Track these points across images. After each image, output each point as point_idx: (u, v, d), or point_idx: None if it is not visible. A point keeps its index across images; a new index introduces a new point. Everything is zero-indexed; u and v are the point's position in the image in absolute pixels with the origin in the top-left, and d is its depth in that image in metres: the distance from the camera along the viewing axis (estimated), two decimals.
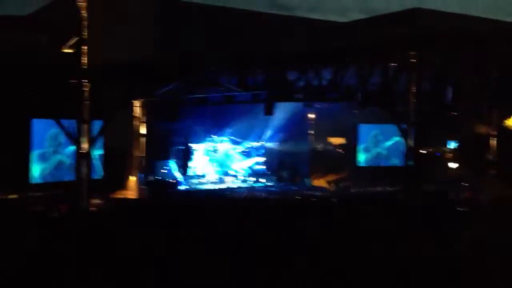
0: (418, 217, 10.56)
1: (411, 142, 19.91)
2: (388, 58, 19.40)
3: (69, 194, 18.44)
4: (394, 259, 6.89)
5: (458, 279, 6.37)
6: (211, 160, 27.14)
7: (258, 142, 28.11)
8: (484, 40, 18.10)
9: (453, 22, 17.61)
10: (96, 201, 19.53)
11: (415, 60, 18.96)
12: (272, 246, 7.52)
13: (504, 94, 19.87)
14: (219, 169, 27.33)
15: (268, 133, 27.60)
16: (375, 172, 26.64)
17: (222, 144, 27.38)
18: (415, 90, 19.29)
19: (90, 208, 17.83)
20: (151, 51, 17.03)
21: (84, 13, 15.29)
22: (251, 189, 25.74)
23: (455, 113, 21.47)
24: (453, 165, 24.59)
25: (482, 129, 23.23)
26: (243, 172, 27.61)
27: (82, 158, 17.37)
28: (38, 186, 19.64)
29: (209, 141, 26.98)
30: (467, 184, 21.63)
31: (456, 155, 24.26)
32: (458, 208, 15.05)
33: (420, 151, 20.95)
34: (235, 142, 27.68)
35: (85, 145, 17.02)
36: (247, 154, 28.02)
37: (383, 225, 9.14)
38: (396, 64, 19.65)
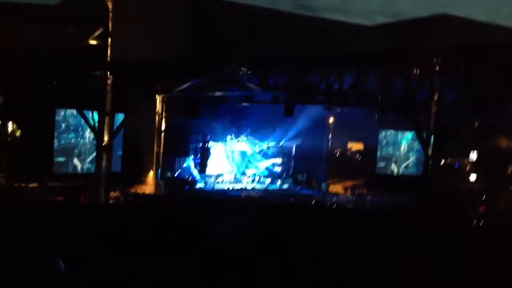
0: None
1: (429, 151, 19.83)
2: (411, 65, 19.34)
3: (88, 186, 18.65)
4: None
5: None
6: (228, 159, 27.24)
7: (276, 143, 28.10)
8: (509, 53, 17.94)
9: (478, 30, 17.49)
10: (115, 194, 19.77)
11: (438, 69, 18.91)
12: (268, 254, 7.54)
13: None
14: (236, 168, 27.43)
15: (287, 134, 27.54)
16: (393, 180, 26.43)
17: (240, 144, 27.46)
18: (436, 99, 19.25)
19: (108, 201, 18.03)
20: (175, 48, 17.15)
21: (110, 5, 15.48)
22: (265, 191, 25.74)
23: (476, 125, 21.34)
24: (472, 177, 24.36)
25: (503, 142, 23.03)
26: (259, 172, 27.67)
27: (103, 150, 17.54)
28: (59, 176, 19.85)
29: (228, 140, 27.09)
30: (483, 197, 21.40)
31: (475, 167, 24.03)
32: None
33: (438, 160, 20.89)
34: (253, 142, 27.73)
35: (106, 138, 17.19)
36: (264, 155, 28.06)
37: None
38: (418, 72, 19.61)
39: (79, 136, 20.61)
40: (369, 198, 24.64)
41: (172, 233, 8.77)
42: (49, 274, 4.89)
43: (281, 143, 28.13)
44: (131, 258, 6.91)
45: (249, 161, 27.78)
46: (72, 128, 20.36)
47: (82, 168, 20.76)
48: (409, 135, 26.63)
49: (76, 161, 20.74)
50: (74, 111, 18.69)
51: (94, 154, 18.96)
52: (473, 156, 24.30)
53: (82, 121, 18.09)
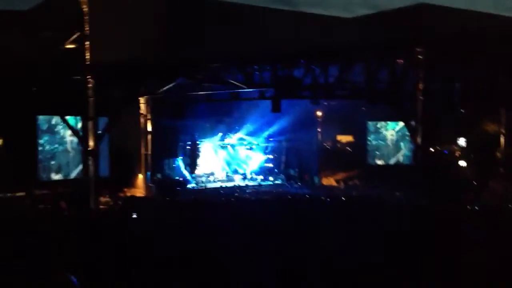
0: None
1: (419, 140, 19.82)
2: (395, 56, 19.29)
3: (76, 192, 18.47)
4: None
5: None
6: (218, 158, 27.13)
7: (266, 139, 27.99)
8: (493, 40, 17.93)
9: (458, 18, 17.47)
10: (105, 199, 19.61)
11: (422, 58, 18.87)
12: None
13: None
14: (227, 167, 27.33)
15: (276, 130, 27.42)
16: (385, 170, 26.39)
17: (230, 142, 27.35)
18: (422, 88, 19.22)
19: (99, 207, 17.87)
20: (156, 48, 16.96)
21: (85, 8, 15.28)
22: (258, 187, 25.64)
23: (463, 111, 21.34)
24: (461, 163, 24.36)
25: (491, 128, 23.03)
26: (251, 170, 27.58)
27: (89, 155, 17.37)
28: (46, 184, 19.67)
29: (217, 138, 26.96)
30: (474, 183, 21.41)
31: (464, 154, 24.03)
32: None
33: (428, 149, 20.86)
34: (242, 140, 27.63)
35: (91, 143, 17.02)
36: (255, 151, 27.96)
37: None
38: (403, 62, 19.57)
39: (63, 143, 20.45)
40: (361, 189, 24.62)
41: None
42: None
43: (271, 139, 28.01)
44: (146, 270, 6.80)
45: (240, 158, 27.68)
46: (55, 134, 20.20)
47: (69, 175, 20.60)
48: (397, 125, 26.61)
49: (61, 167, 20.57)
50: (56, 118, 18.52)
51: (80, 160, 18.82)
52: (462, 143, 24.28)
53: (66, 127, 17.92)
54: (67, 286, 4.62)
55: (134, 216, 13.41)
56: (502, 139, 22.76)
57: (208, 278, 6.48)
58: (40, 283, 4.75)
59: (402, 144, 26.93)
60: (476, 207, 15.34)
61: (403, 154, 26.94)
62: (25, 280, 5.14)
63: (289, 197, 21.06)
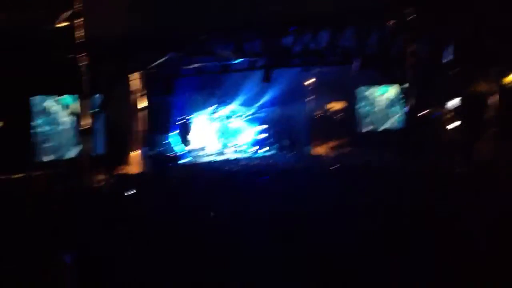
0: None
1: (409, 104, 20.00)
2: (385, 19, 19.32)
3: (72, 171, 18.46)
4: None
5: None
6: (210, 132, 27.14)
7: (256, 110, 27.99)
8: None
9: None
10: (99, 177, 19.59)
11: (410, 20, 18.92)
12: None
13: (503, 52, 19.88)
14: (219, 140, 27.36)
15: (268, 101, 27.42)
16: (376, 136, 26.55)
17: (221, 115, 27.33)
18: (412, 51, 19.32)
19: (94, 185, 17.87)
20: (146, 23, 16.82)
21: None
22: (249, 160, 25.73)
23: (452, 73, 21.52)
24: (452, 125, 24.60)
25: (482, 87, 23.25)
26: (243, 142, 27.64)
27: (84, 134, 17.32)
28: (43, 165, 19.57)
29: (208, 112, 26.93)
30: (465, 146, 21.65)
31: (455, 115, 24.26)
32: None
33: (417, 113, 21.05)
34: (234, 112, 27.63)
35: (86, 121, 16.95)
36: (246, 123, 27.99)
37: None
38: (392, 25, 19.62)
39: (58, 123, 20.30)
40: (351, 157, 24.81)
41: None
42: (57, 268, 4.81)
43: (262, 110, 28.01)
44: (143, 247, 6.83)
45: (231, 131, 27.72)
46: (49, 115, 20.04)
47: (64, 155, 20.51)
48: (388, 90, 26.72)
49: (57, 148, 20.47)
50: (50, 97, 18.38)
51: (76, 139, 18.74)
52: (452, 104, 24.49)
53: (60, 106, 17.80)
54: (60, 266, 4.66)
55: (126, 193, 13.51)
56: (493, 99, 22.96)
57: (200, 250, 6.53)
58: (34, 262, 4.80)
59: (393, 109, 27.06)
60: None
61: (394, 119, 27.10)
62: (19, 261, 5.15)
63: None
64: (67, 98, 17.65)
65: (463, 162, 18.03)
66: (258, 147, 27.48)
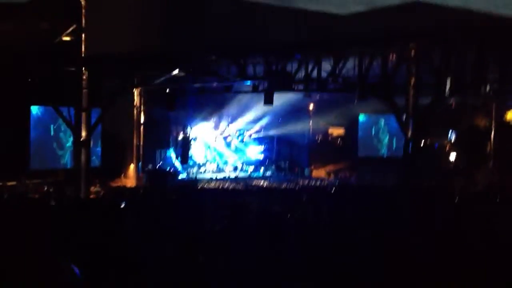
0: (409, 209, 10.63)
1: (409, 133, 20.01)
2: (387, 50, 19.42)
3: (68, 182, 18.52)
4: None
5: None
6: (210, 149, 27.19)
7: (257, 131, 28.08)
8: (483, 35, 18.11)
9: (453, 17, 17.61)
10: (95, 188, 19.64)
11: (414, 53, 19.03)
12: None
13: (502, 87, 19.93)
14: (218, 158, 27.40)
15: (268, 122, 27.50)
16: (376, 162, 26.57)
17: (222, 133, 27.40)
18: (414, 82, 19.40)
19: (89, 196, 17.90)
20: (151, 40, 16.95)
21: (83, 1, 15.29)
22: (248, 179, 25.75)
23: (452, 105, 21.60)
24: (452, 156, 24.66)
25: (481, 121, 23.32)
26: (242, 161, 27.67)
27: (81, 146, 17.39)
28: (37, 173, 19.68)
29: (209, 130, 27.00)
30: (464, 174, 21.69)
31: (455, 147, 24.33)
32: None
33: (419, 142, 21.10)
34: (234, 131, 27.70)
35: (83, 133, 17.05)
36: (246, 143, 28.06)
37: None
38: (395, 57, 19.72)
39: (56, 133, 20.43)
40: (352, 180, 24.89)
41: None
42: (64, 279, 4.79)
43: (262, 131, 28.10)
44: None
45: (231, 150, 27.77)
46: (47, 124, 20.18)
47: (61, 165, 20.60)
48: (388, 118, 26.77)
49: (53, 157, 20.56)
50: (49, 108, 18.50)
51: (72, 150, 18.85)
52: (452, 136, 24.56)
53: (58, 117, 17.90)
54: (71, 277, 4.68)
55: (122, 205, 13.49)
56: (492, 132, 23.04)
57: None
58: (43, 274, 4.81)
59: (392, 137, 27.12)
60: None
61: (393, 147, 27.15)
62: (29, 271, 5.17)
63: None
64: (66, 110, 17.71)
65: (461, 188, 18.05)
66: (257, 166, 27.52)
